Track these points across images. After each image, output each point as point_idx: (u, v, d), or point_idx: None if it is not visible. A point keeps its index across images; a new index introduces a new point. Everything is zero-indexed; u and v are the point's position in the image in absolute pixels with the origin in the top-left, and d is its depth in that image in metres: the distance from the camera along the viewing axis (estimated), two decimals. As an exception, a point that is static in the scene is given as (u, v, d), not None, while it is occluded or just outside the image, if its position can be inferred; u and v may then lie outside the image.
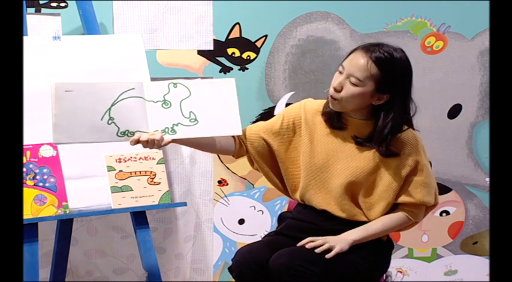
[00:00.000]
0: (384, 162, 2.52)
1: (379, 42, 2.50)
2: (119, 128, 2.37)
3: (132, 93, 2.38)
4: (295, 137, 2.61)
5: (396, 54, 2.46)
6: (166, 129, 2.41)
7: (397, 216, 2.54)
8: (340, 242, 2.47)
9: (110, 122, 2.36)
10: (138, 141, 2.38)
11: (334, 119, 2.54)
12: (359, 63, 2.43)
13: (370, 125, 2.52)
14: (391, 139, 2.48)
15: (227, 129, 2.47)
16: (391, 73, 2.43)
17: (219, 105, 2.45)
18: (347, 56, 2.49)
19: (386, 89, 2.44)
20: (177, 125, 2.42)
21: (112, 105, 2.36)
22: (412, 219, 2.55)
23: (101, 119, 2.35)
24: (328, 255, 2.42)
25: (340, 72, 2.47)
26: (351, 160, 2.53)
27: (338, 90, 2.46)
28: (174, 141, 2.43)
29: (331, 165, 2.55)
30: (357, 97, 2.45)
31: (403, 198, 2.52)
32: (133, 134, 2.38)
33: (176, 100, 2.42)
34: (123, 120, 2.37)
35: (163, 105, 2.41)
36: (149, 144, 2.38)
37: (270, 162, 2.64)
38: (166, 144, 2.41)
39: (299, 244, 2.48)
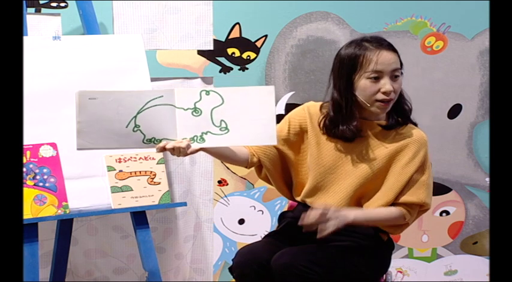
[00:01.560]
0: (393, 161, 2.52)
1: (372, 36, 2.53)
2: (144, 135, 2.37)
3: (160, 100, 2.37)
4: (304, 140, 2.61)
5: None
6: (195, 138, 2.40)
7: (396, 211, 2.51)
8: (339, 219, 2.41)
9: (135, 129, 2.36)
10: (164, 149, 2.38)
11: (347, 133, 2.51)
12: (393, 58, 2.47)
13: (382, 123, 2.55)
14: (402, 113, 2.52)
15: (261, 138, 2.42)
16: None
17: (253, 113, 2.41)
18: (362, 60, 2.46)
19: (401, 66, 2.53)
20: (206, 133, 2.40)
21: (138, 112, 2.36)
22: (406, 219, 2.52)
23: (126, 127, 2.35)
24: (320, 235, 2.38)
25: (377, 78, 2.45)
26: (360, 161, 2.53)
27: (394, 90, 2.47)
28: (201, 149, 2.41)
29: (340, 166, 2.54)
30: (401, 85, 2.51)
31: (406, 198, 2.51)
32: (159, 141, 2.38)
33: (207, 108, 2.40)
34: (150, 128, 2.37)
35: (194, 113, 2.39)
36: (175, 151, 2.38)
37: (280, 170, 2.65)
38: (193, 152, 2.40)
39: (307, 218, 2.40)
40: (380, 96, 2.46)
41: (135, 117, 2.35)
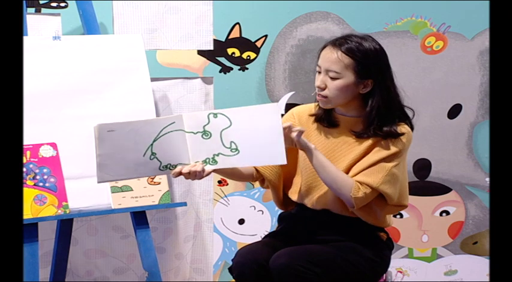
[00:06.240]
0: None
1: (347, 34, 2.55)
2: (161, 162, 2.40)
3: (172, 127, 2.39)
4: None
5: (365, 41, 2.50)
6: (207, 160, 2.42)
7: (350, 180, 2.47)
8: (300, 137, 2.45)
9: (152, 157, 2.39)
10: (180, 174, 2.40)
11: (325, 117, 2.57)
12: (331, 57, 2.48)
13: (361, 122, 2.53)
14: (379, 122, 2.48)
15: (270, 158, 2.42)
16: (365, 59, 2.48)
17: (261, 133, 2.39)
18: (319, 55, 2.54)
19: (366, 74, 2.48)
20: (217, 155, 2.42)
21: (154, 140, 2.38)
22: (352, 193, 2.45)
23: (143, 155, 2.38)
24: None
25: (319, 72, 2.52)
26: (346, 158, 2.53)
27: (322, 88, 2.51)
28: (214, 171, 2.44)
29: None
30: (342, 89, 2.48)
31: (362, 177, 2.48)
32: (175, 166, 2.41)
33: (216, 130, 2.41)
34: (165, 155, 2.39)
35: (204, 136, 2.41)
36: (191, 175, 2.40)
37: (281, 178, 2.66)
38: (207, 175, 2.42)
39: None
40: (316, 90, 2.53)
41: (152, 145, 2.38)
